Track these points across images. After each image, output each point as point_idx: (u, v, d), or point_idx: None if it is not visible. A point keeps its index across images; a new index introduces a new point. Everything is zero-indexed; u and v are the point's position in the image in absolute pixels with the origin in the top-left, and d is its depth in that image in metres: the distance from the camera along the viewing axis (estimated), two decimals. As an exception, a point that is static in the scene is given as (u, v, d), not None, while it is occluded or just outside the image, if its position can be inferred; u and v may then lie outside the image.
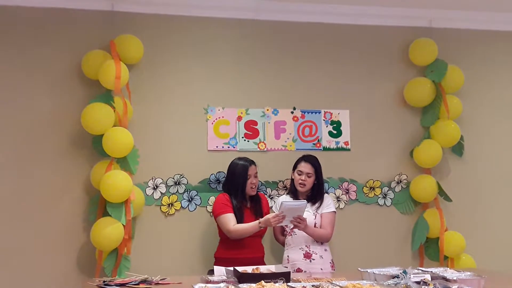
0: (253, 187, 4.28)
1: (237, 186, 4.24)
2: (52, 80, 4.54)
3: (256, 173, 4.31)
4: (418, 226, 4.93)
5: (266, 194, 4.69)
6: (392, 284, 2.87)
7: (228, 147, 4.75)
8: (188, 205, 4.65)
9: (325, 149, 4.90)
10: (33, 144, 4.47)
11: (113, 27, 4.59)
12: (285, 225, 4.23)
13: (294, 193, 4.41)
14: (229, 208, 4.16)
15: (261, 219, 4.05)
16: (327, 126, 4.94)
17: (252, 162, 4.31)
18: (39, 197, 4.44)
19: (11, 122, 4.46)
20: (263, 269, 3.40)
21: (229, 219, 4.12)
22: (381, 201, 4.97)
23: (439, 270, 3.35)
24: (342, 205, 4.88)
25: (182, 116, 4.72)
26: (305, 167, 4.34)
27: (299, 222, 4.06)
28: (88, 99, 4.45)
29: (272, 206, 4.58)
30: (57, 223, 4.44)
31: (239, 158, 4.36)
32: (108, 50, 4.47)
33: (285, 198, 4.40)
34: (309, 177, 4.33)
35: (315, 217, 4.26)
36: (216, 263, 3.94)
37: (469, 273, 3.26)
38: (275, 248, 4.59)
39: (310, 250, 4.20)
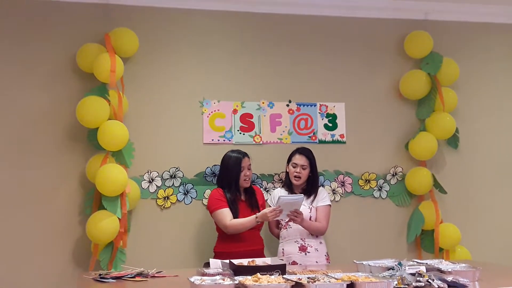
0: (247, 179, 4.26)
1: (231, 179, 4.23)
2: (47, 73, 4.52)
3: (250, 165, 4.30)
4: (413, 218, 4.94)
5: (261, 187, 4.69)
6: (388, 276, 2.88)
7: (224, 140, 4.75)
8: (184, 198, 4.65)
9: (320, 142, 4.91)
10: (28, 137, 4.45)
11: (108, 20, 4.57)
12: (282, 219, 4.23)
13: (289, 186, 4.41)
14: (224, 203, 4.14)
15: (258, 214, 4.04)
16: (322, 119, 4.94)
17: (245, 154, 4.30)
18: (35, 190, 4.43)
19: (5, 116, 4.44)
20: (259, 261, 3.40)
21: (225, 215, 4.10)
22: (376, 194, 4.97)
23: (434, 262, 3.37)
24: (337, 198, 4.89)
25: (178, 109, 4.71)
26: (299, 159, 4.34)
27: (296, 216, 4.06)
28: (83, 92, 4.43)
29: (267, 199, 4.58)
30: (53, 216, 4.44)
31: (232, 151, 4.35)
32: (103, 43, 4.46)
33: (280, 192, 4.40)
34: (304, 169, 4.33)
35: (310, 210, 4.26)
36: (216, 257, 3.91)
37: (464, 264, 3.28)
38: (270, 241, 4.59)
39: (305, 243, 4.21)
